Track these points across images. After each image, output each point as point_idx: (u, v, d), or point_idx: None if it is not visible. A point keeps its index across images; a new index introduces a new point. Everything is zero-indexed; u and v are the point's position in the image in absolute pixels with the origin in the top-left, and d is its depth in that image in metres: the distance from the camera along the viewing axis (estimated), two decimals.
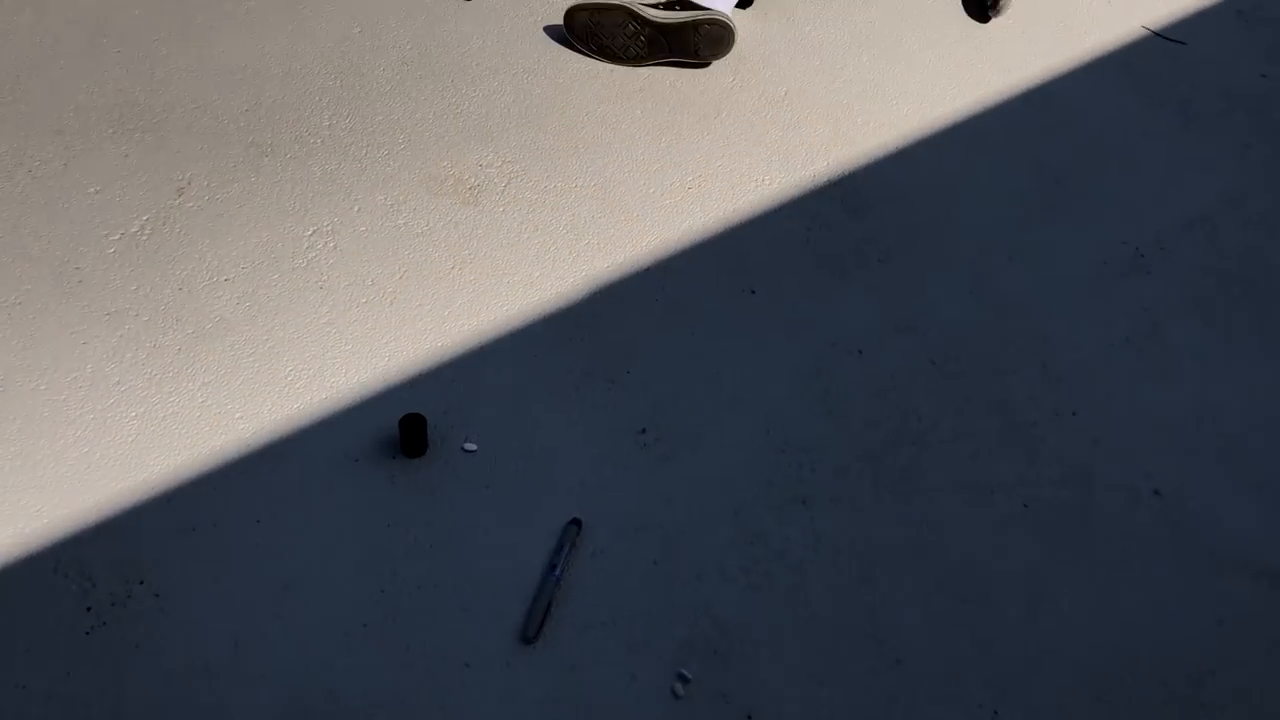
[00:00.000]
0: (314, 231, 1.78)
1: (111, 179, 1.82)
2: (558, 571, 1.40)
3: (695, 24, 2.07)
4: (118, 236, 1.74)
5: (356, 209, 1.82)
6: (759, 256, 1.82)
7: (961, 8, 2.31)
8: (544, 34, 2.15)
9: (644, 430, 1.57)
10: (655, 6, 2.09)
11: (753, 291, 1.77)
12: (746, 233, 1.86)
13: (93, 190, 1.80)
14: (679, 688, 1.34)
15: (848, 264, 1.83)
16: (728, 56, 2.13)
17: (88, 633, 1.33)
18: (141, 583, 1.37)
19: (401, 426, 1.48)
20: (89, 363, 1.58)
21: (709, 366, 1.66)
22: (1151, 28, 2.30)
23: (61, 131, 1.88)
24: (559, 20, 2.12)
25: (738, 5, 2.21)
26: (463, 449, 1.52)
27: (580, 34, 2.10)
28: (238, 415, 1.54)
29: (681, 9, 2.09)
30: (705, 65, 2.14)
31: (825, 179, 1.96)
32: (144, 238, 1.74)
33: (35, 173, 1.82)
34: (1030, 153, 2.04)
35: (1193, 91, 2.18)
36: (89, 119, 1.90)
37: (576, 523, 1.45)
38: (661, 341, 1.69)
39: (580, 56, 2.12)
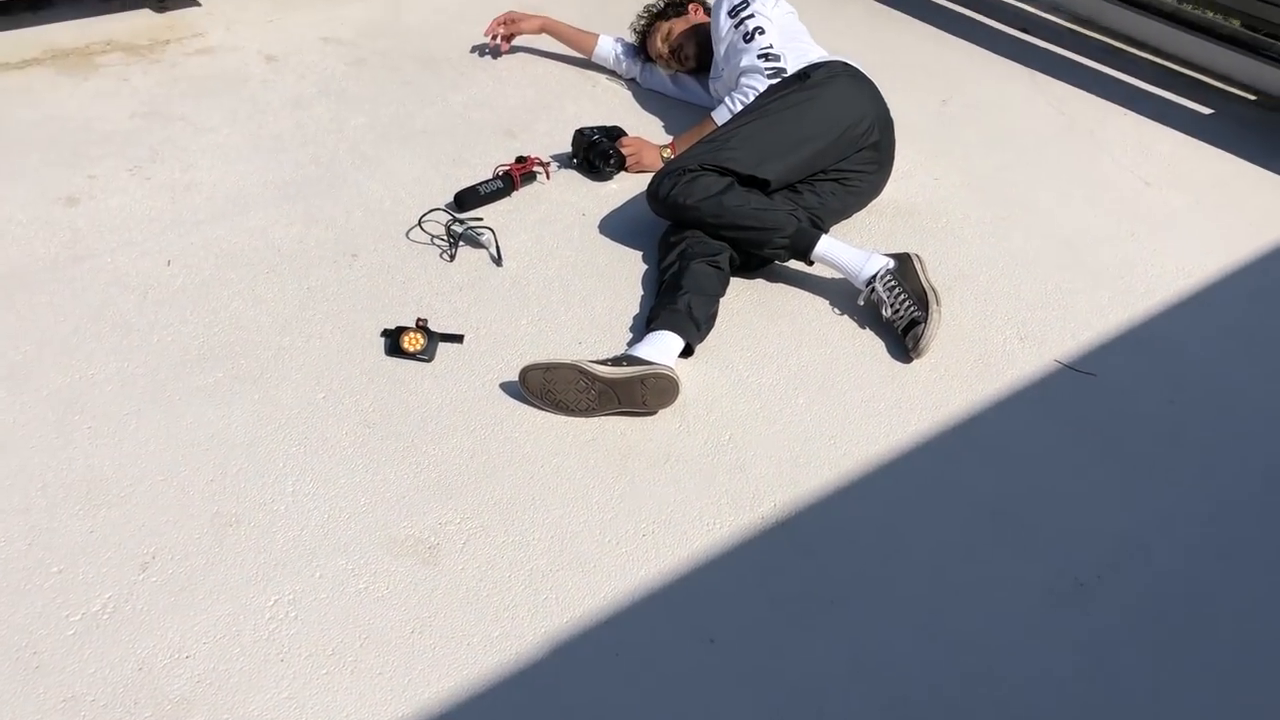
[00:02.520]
0: (276, 601, 1.80)
1: (75, 557, 1.84)
2: None
3: (642, 378, 2.21)
4: (78, 616, 1.75)
5: (319, 575, 1.85)
6: (714, 603, 1.87)
7: (885, 349, 2.49)
8: (501, 390, 2.28)
9: None
10: (602, 362, 2.24)
11: (711, 640, 1.80)
12: (701, 578, 1.91)
13: (55, 570, 1.82)
14: None
15: (801, 607, 1.87)
16: (673, 404, 2.26)
17: None
18: None
19: None
20: None
21: None
22: (1063, 361, 2.49)
23: (27, 510, 1.92)
24: (514, 377, 2.26)
25: (680, 356, 2.37)
26: None
27: (535, 390, 2.23)
28: None
29: (628, 364, 2.24)
30: (653, 413, 2.26)
31: (774, 520, 2.04)
32: (105, 616, 1.75)
33: None
34: (965, 487, 2.15)
35: (1108, 420, 2.34)
36: (55, 497, 1.95)
37: None
38: (622, 703, 1.69)
39: (535, 411, 2.24)
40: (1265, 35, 3.84)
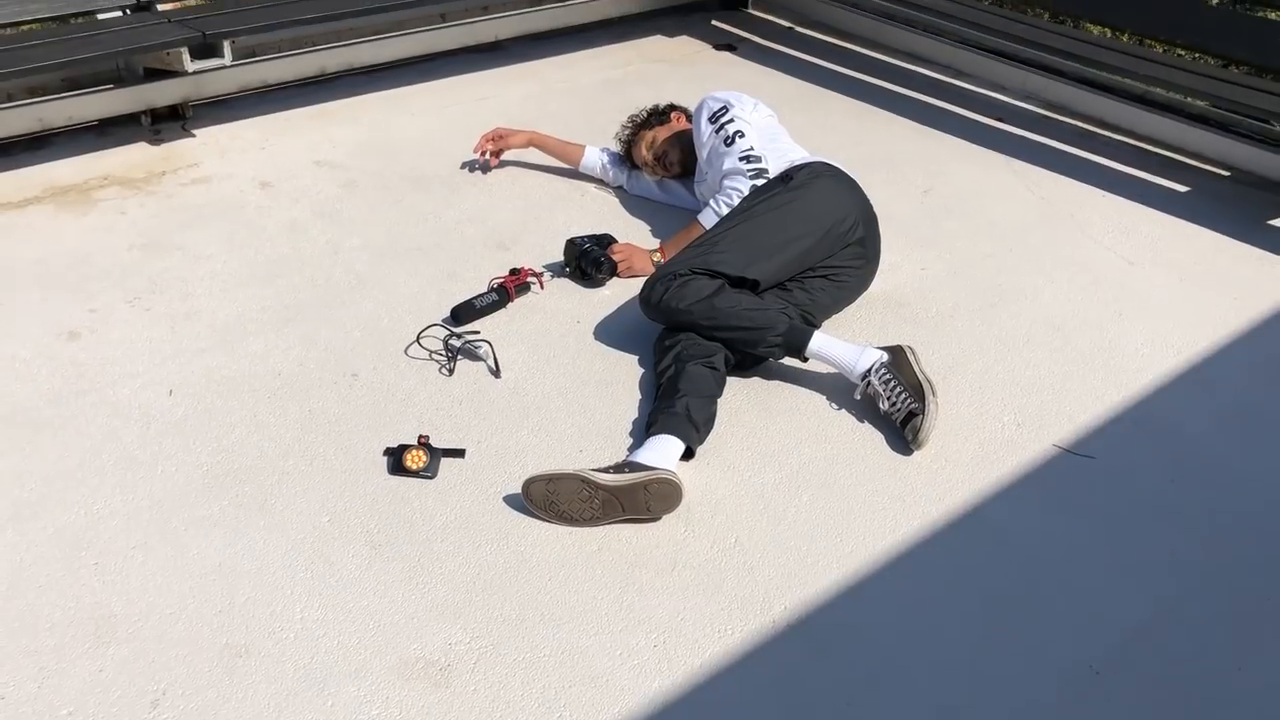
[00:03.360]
0: None
1: (85, 697, 1.83)
2: None
3: (645, 484, 2.22)
4: None
5: (331, 704, 1.83)
6: (730, 714, 1.85)
7: (885, 442, 2.51)
8: (505, 504, 2.29)
9: None
10: (604, 470, 2.25)
11: None
12: (716, 688, 1.90)
13: (65, 712, 1.80)
14: None
15: (817, 714, 1.86)
16: (677, 508, 2.27)
17: None
18: None
19: None
20: None
21: None
22: (1061, 445, 2.51)
23: (36, 651, 1.91)
24: (518, 490, 2.26)
25: (681, 459, 2.38)
26: None
27: (538, 502, 2.24)
28: None
29: (630, 470, 2.25)
30: (657, 519, 2.27)
31: (785, 623, 2.03)
32: None
33: (7, 698, 1.83)
34: (973, 577, 2.15)
35: (1110, 503, 2.35)
36: (64, 636, 1.95)
37: None
38: None
39: (540, 523, 2.24)
40: (1230, 112, 3.95)
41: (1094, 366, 2.81)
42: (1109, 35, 4.64)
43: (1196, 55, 4.30)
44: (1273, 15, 4.47)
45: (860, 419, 2.59)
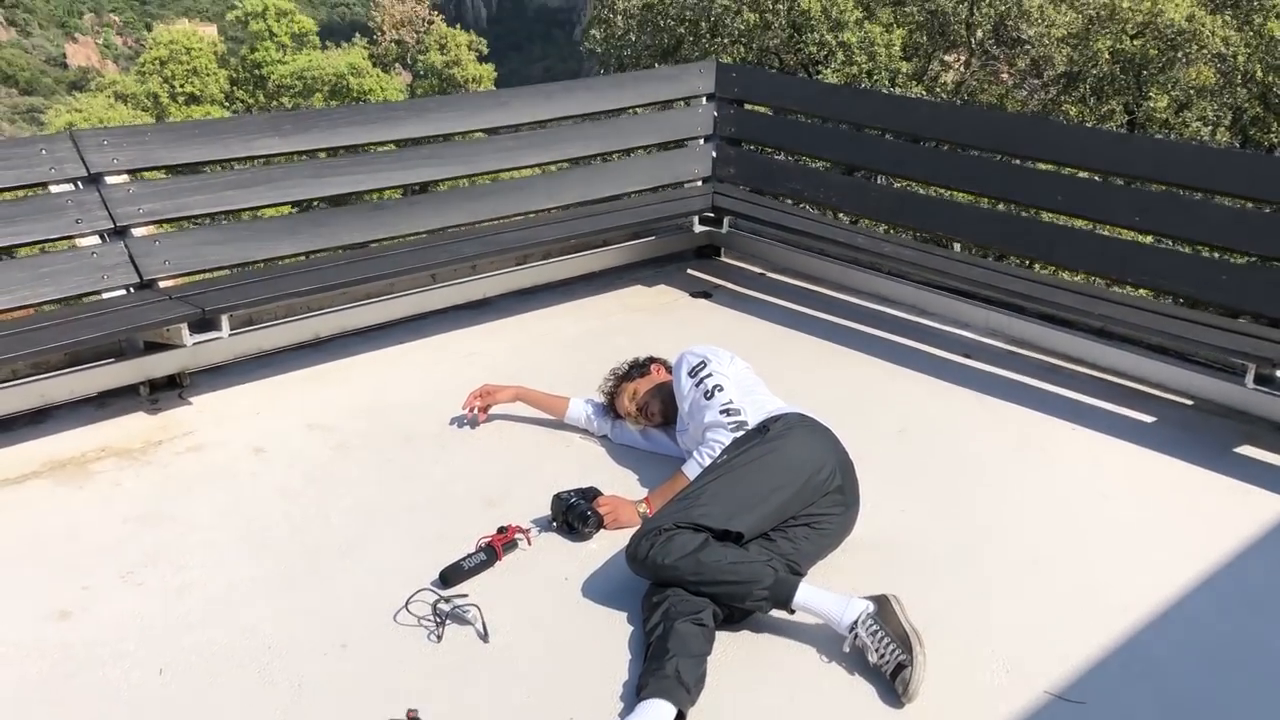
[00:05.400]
0: None
1: None
2: None
3: None
4: None
5: None
6: None
7: (877, 695, 2.51)
8: None
9: None
10: None
11: None
12: None
13: None
14: None
15: None
16: None
17: None
18: None
19: None
20: None
21: None
22: (1052, 692, 2.51)
23: None
24: None
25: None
26: None
27: None
28: None
29: None
30: None
31: None
32: None
33: None
34: None
35: None
36: None
37: None
38: None
39: None
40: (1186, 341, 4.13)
41: (1078, 605, 2.84)
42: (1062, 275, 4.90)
43: (1146, 292, 4.54)
44: (1206, 252, 4.74)
45: (851, 671, 2.59)
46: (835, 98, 6.38)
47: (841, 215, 5.73)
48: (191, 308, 3.71)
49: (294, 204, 5.18)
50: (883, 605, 2.62)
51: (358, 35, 36.03)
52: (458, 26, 30.07)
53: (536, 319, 4.90)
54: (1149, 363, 4.17)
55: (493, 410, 3.85)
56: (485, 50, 29.10)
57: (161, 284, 4.03)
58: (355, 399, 4.06)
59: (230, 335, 3.90)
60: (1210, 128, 13.54)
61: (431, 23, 32.78)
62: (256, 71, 28.84)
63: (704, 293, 5.26)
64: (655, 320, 4.91)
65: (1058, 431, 3.82)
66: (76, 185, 3.97)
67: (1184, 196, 4.40)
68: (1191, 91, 13.73)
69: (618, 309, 5.06)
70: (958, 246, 5.68)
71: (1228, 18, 13.83)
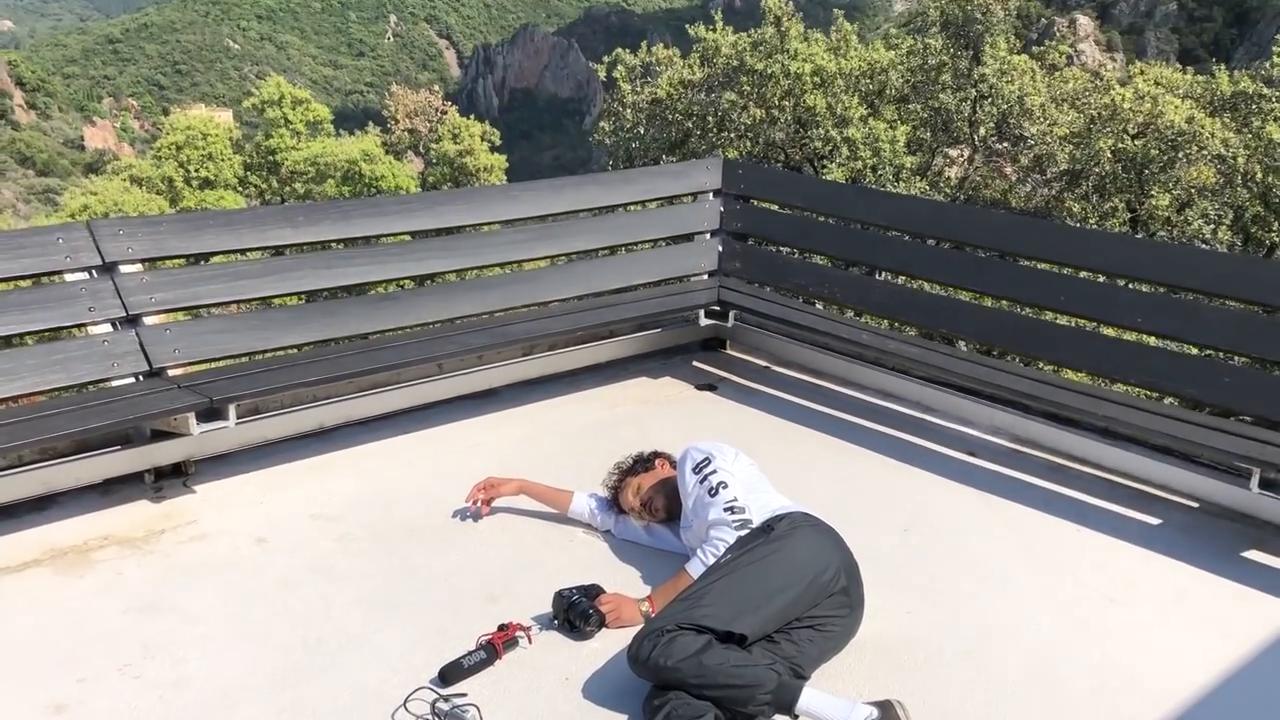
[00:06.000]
0: None
1: None
2: None
3: None
4: None
5: None
6: None
7: None
8: None
9: None
10: None
11: None
12: None
13: None
14: None
15: None
16: None
17: None
18: None
19: None
20: None
21: None
22: None
23: None
24: None
25: None
26: None
27: None
28: None
29: None
30: None
31: None
32: None
33: None
34: None
35: None
36: None
37: None
38: None
39: None
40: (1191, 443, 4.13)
41: (1086, 712, 2.80)
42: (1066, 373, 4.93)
43: (1148, 394, 4.55)
44: (1209, 353, 4.77)
45: None
46: (840, 195, 6.51)
47: (847, 310, 5.77)
48: (199, 397, 3.74)
49: (304, 294, 5.24)
50: (887, 711, 2.59)
51: (371, 124, 36.77)
52: (471, 117, 30.64)
53: (542, 410, 4.92)
54: (1154, 463, 4.16)
55: (496, 503, 3.85)
56: (498, 140, 29.63)
57: (170, 372, 4.07)
58: (359, 489, 4.06)
59: (237, 424, 3.92)
60: (1212, 226, 13.69)
61: (444, 112, 33.47)
62: (271, 157, 29.34)
63: (709, 385, 5.28)
64: (661, 413, 4.93)
65: (1063, 532, 3.81)
66: (91, 274, 4.03)
67: (1185, 299, 4.44)
68: (1193, 190, 13.92)
69: (623, 400, 5.08)
70: (963, 343, 5.71)
71: (1227, 119, 14.09)
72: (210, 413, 3.78)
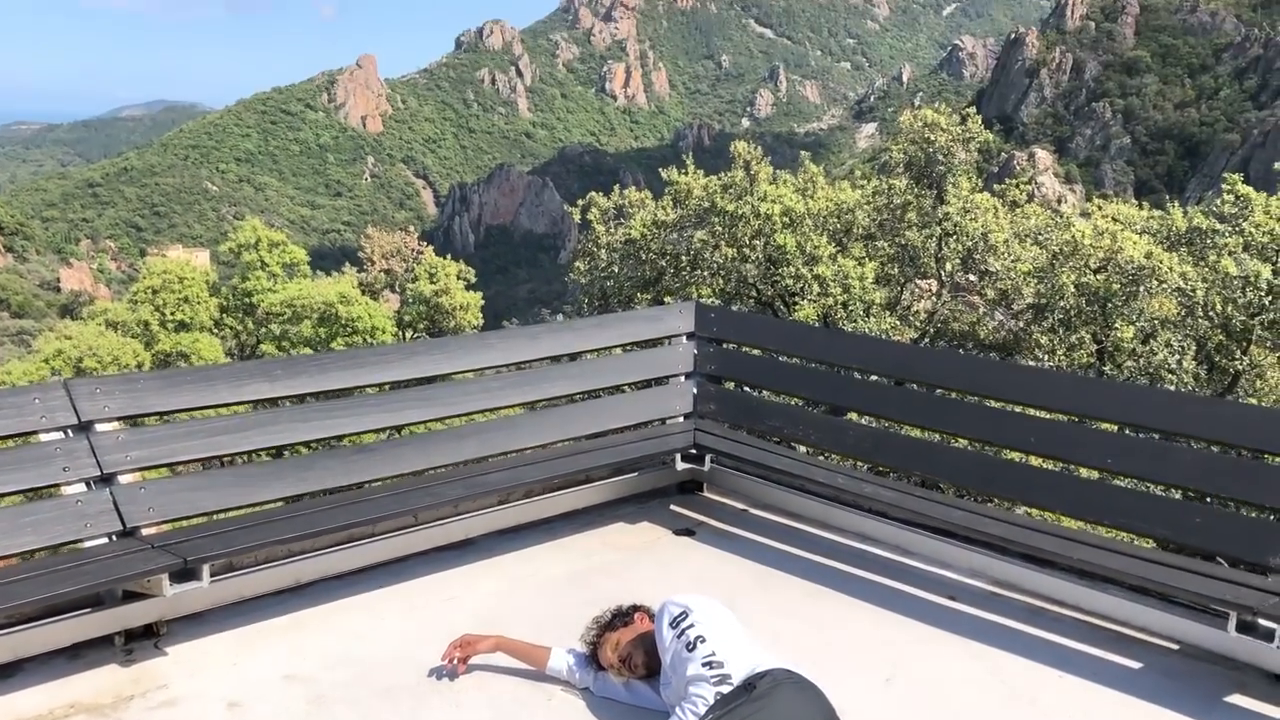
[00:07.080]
0: None
1: None
2: None
3: None
4: None
5: None
6: None
7: None
8: None
9: None
10: None
11: None
12: None
13: None
14: None
15: None
16: None
17: None
18: None
19: None
20: None
21: None
22: None
23: None
24: None
25: None
26: None
27: None
28: None
29: None
30: None
31: None
32: None
33: None
34: None
35: None
36: None
37: None
38: None
39: None
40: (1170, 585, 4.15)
41: None
42: (1042, 517, 4.96)
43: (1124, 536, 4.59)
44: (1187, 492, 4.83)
45: None
46: (812, 338, 6.64)
47: (823, 452, 5.82)
48: (173, 557, 3.70)
49: (279, 449, 5.24)
50: None
51: (348, 264, 37.21)
52: (447, 256, 31.07)
53: (518, 560, 4.88)
54: (1132, 606, 4.17)
55: (473, 660, 3.79)
56: (473, 279, 30.03)
57: (144, 530, 4.03)
58: (334, 648, 3.99)
59: (211, 582, 3.87)
60: (1177, 356, 13.96)
61: (421, 252, 33.92)
62: (247, 299, 29.52)
63: (687, 530, 5.27)
64: (639, 560, 4.90)
65: (1045, 679, 3.78)
66: (66, 433, 4.03)
67: (1154, 441, 4.52)
68: (1156, 322, 14.24)
69: (600, 548, 5.05)
70: (940, 486, 5.75)
71: (1184, 253, 14.52)
72: (184, 573, 3.73)
